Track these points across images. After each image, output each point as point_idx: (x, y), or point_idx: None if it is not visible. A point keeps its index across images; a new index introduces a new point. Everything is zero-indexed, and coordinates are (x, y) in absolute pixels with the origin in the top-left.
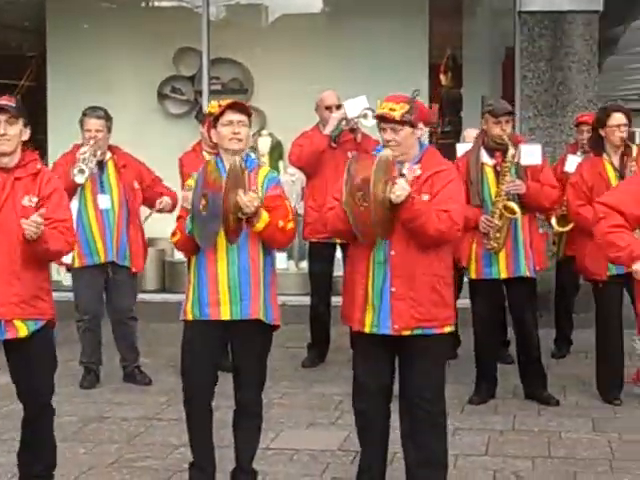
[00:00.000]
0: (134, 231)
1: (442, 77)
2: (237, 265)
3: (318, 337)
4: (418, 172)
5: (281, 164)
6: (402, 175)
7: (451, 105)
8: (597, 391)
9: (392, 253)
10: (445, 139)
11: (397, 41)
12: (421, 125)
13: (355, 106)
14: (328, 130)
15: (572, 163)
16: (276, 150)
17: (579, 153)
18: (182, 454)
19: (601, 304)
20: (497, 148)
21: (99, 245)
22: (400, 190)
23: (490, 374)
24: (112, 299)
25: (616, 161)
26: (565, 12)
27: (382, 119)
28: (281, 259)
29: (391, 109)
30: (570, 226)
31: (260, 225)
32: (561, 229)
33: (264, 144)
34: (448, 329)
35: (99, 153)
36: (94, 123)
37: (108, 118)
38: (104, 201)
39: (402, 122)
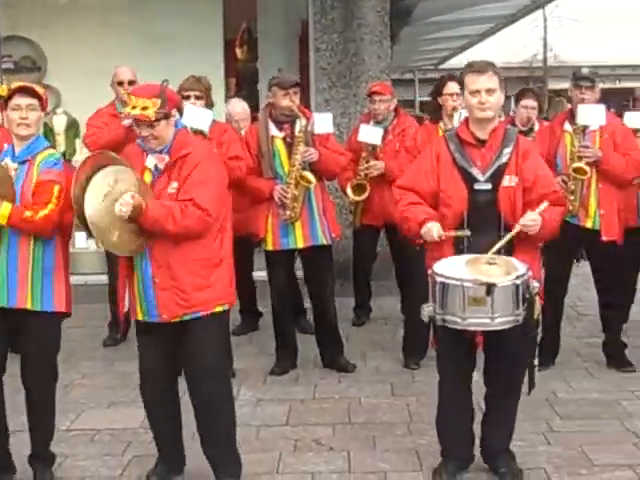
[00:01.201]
0: None
1: (238, 51)
2: (3, 256)
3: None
4: (167, 159)
5: (77, 142)
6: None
7: (248, 78)
8: (396, 356)
9: (150, 245)
10: None
11: (192, 17)
12: (174, 112)
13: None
14: (126, 122)
15: (364, 132)
16: (72, 128)
17: (372, 122)
18: None
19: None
20: (285, 120)
21: None
22: (125, 206)
23: (290, 344)
24: None
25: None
26: None
27: (138, 122)
28: (80, 239)
29: (144, 108)
30: (366, 194)
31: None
32: (357, 198)
33: (59, 123)
34: (220, 308)
35: None
36: None
37: None
38: None
39: (158, 119)
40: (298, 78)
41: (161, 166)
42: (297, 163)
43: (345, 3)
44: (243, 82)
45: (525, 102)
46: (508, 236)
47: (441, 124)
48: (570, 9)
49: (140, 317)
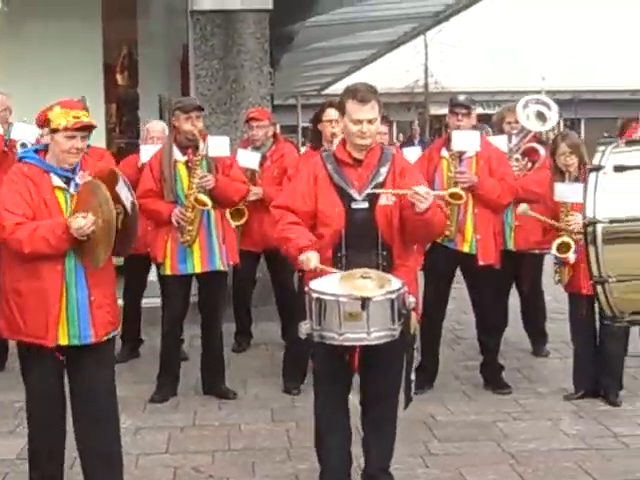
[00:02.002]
0: None
1: (118, 77)
2: None
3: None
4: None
5: None
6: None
7: (129, 104)
8: (277, 382)
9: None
10: (121, 138)
11: (71, 42)
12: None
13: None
14: None
15: (242, 157)
16: None
17: (250, 148)
18: None
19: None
20: (188, 145)
21: None
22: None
23: (173, 371)
24: None
25: None
26: (236, 11)
27: (85, 129)
28: None
29: (85, 116)
30: (244, 220)
31: None
32: (235, 223)
33: None
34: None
35: None
36: None
37: None
38: None
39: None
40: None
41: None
42: (194, 187)
43: (225, 29)
44: (123, 108)
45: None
46: (399, 191)
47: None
48: (452, 36)
49: (64, 341)
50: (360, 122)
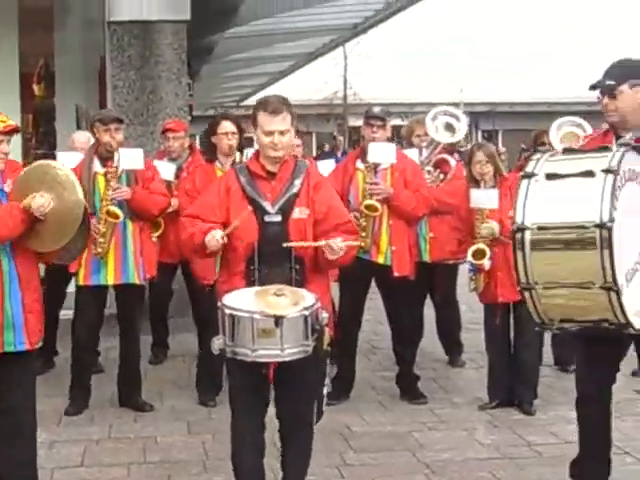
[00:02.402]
0: None
1: (35, 87)
2: None
3: None
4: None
5: None
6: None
7: (45, 115)
8: (193, 394)
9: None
10: (38, 149)
11: None
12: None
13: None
14: None
15: (158, 168)
16: None
17: (166, 159)
18: None
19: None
20: (108, 156)
21: None
22: None
23: (86, 384)
24: None
25: (227, 168)
26: (153, 22)
27: (11, 132)
28: None
29: (9, 119)
30: (160, 231)
31: None
32: (155, 233)
33: None
34: None
35: None
36: None
37: None
38: None
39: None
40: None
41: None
42: (108, 199)
43: (142, 40)
44: (40, 118)
45: None
46: (310, 243)
47: (217, 163)
48: (371, 48)
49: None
50: (272, 133)
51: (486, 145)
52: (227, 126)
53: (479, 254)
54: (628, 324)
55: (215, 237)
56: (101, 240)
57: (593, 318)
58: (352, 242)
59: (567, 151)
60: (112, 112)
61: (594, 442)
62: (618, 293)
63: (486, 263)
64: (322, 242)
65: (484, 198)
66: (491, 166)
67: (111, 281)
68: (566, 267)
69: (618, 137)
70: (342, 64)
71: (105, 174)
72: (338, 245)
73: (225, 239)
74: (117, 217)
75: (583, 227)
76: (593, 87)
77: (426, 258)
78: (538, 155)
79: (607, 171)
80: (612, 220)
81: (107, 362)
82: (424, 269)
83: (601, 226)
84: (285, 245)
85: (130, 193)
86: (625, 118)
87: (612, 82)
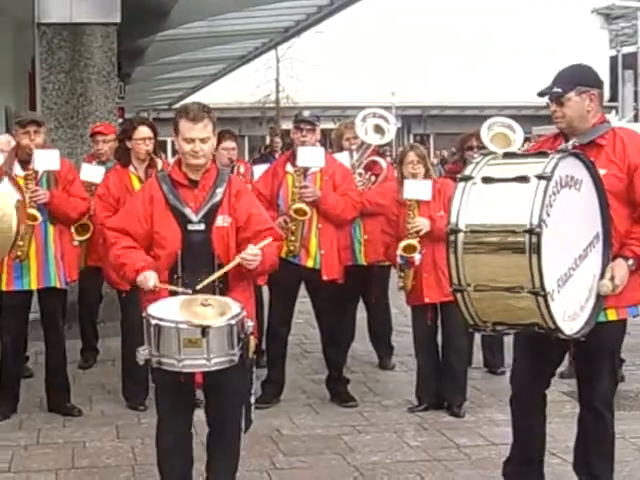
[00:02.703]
0: None
1: None
2: None
3: None
4: None
5: None
6: None
7: None
8: (123, 398)
9: None
10: None
11: None
12: None
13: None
14: None
15: (86, 171)
16: None
17: (95, 163)
18: None
19: (126, 313)
20: (28, 159)
21: None
22: None
23: (13, 389)
24: None
25: (142, 173)
26: (83, 24)
27: None
28: None
29: None
30: (89, 234)
31: None
32: (80, 238)
33: None
34: None
35: None
36: None
37: None
38: None
39: None
40: (40, 117)
41: None
42: (27, 202)
43: (72, 43)
44: None
45: (225, 144)
46: (225, 268)
47: (131, 168)
48: (303, 51)
49: None
50: (192, 141)
51: (418, 146)
52: (144, 131)
53: (410, 249)
54: (557, 329)
55: (148, 284)
56: (20, 243)
57: (523, 322)
58: (264, 242)
59: (507, 155)
60: (31, 114)
61: (527, 440)
62: (546, 298)
63: (417, 257)
64: (236, 259)
65: (418, 189)
66: (422, 167)
67: (34, 285)
68: (497, 270)
69: (567, 141)
70: (275, 67)
71: (25, 177)
72: (252, 252)
73: (157, 288)
74: (35, 219)
75: (513, 232)
76: (541, 94)
77: (361, 261)
78: (478, 159)
79: (540, 177)
80: (541, 226)
81: (36, 367)
82: (358, 272)
83: (530, 231)
84: (200, 285)
85: (48, 196)
86: (572, 124)
87: (559, 90)
